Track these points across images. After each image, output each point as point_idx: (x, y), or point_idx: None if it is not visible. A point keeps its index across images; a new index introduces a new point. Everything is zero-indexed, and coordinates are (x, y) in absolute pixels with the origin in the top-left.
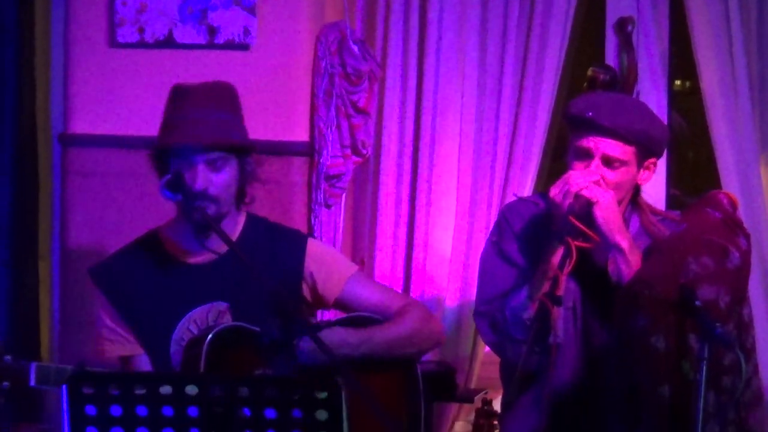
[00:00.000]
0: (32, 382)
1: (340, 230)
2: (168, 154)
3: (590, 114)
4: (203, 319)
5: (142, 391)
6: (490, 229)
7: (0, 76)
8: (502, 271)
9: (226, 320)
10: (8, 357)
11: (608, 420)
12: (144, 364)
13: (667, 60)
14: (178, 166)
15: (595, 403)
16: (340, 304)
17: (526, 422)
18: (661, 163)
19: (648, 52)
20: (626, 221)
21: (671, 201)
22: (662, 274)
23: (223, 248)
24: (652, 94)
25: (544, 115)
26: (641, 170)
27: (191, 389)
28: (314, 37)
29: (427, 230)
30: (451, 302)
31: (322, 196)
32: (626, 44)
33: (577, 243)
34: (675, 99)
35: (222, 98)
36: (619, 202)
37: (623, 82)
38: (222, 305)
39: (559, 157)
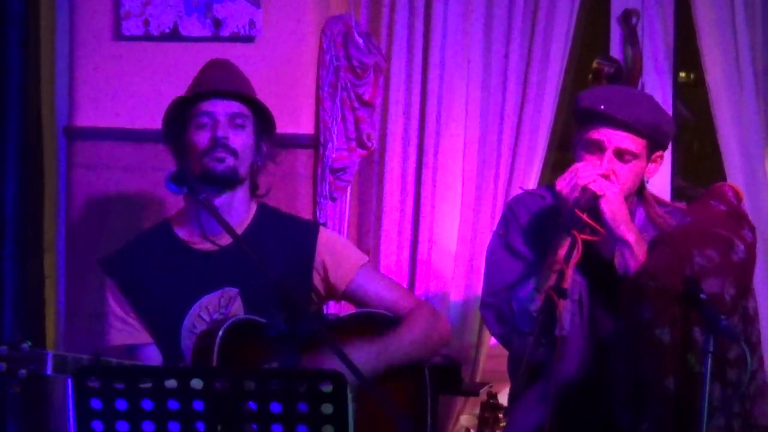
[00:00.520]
0: (49, 371)
1: (345, 223)
2: (185, 115)
3: (602, 107)
4: (215, 305)
5: (148, 385)
6: (496, 221)
7: (5, 68)
8: (509, 264)
9: (237, 306)
10: (25, 345)
11: (614, 412)
12: (149, 353)
13: (672, 52)
14: (199, 126)
15: (602, 396)
16: (349, 295)
17: (533, 414)
18: (667, 155)
19: (653, 44)
20: (632, 213)
21: (676, 192)
22: (667, 266)
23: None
24: (657, 86)
25: (549, 107)
26: (649, 163)
27: (197, 383)
28: (319, 30)
29: (432, 223)
30: (456, 295)
31: (327, 188)
32: (631, 36)
33: (583, 236)
34: (680, 91)
35: (241, 74)
36: (627, 196)
37: (628, 74)
38: (232, 291)
39: (564, 149)
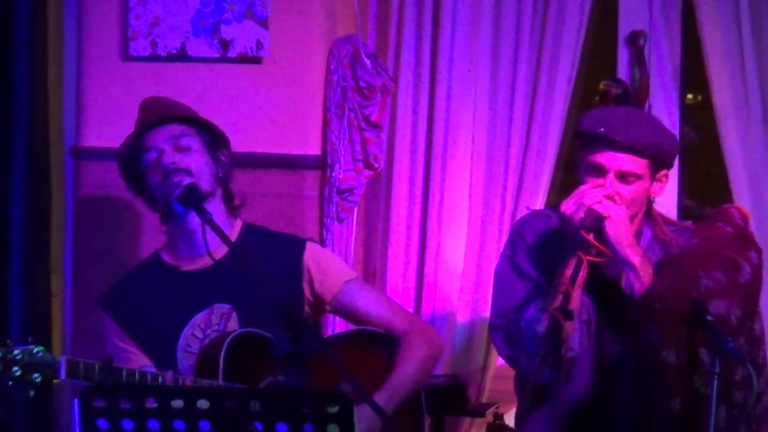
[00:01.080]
0: (62, 376)
1: (352, 244)
2: (136, 160)
3: (602, 130)
4: (207, 322)
5: (154, 405)
6: (502, 242)
7: (13, 89)
8: (516, 285)
9: (233, 321)
10: (39, 350)
11: None
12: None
13: (679, 74)
14: (150, 166)
15: (609, 417)
16: (337, 307)
17: None
18: (673, 175)
19: (660, 65)
20: (639, 232)
21: (683, 211)
22: (674, 287)
23: (220, 253)
24: (664, 108)
25: (557, 128)
26: (654, 183)
27: (203, 403)
28: (327, 51)
29: (438, 244)
30: (462, 316)
31: (334, 209)
32: (638, 58)
33: (588, 257)
34: (687, 113)
35: (176, 102)
36: (633, 217)
37: (635, 95)
38: (224, 307)
39: (571, 169)
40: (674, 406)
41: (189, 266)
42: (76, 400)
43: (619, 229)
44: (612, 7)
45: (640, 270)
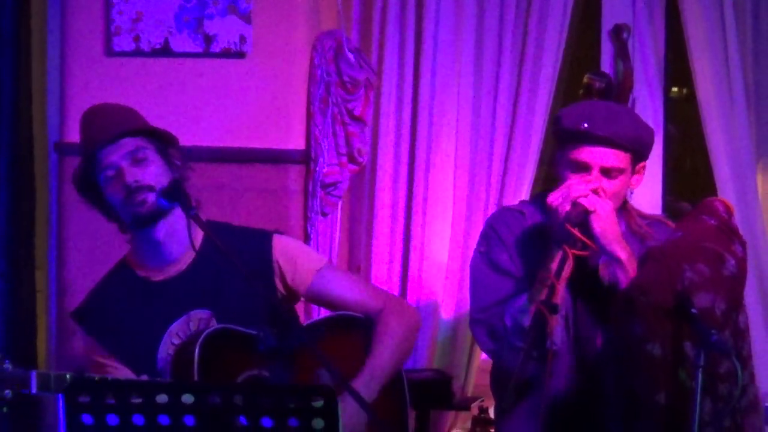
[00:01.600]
0: (34, 390)
1: (337, 238)
2: (93, 176)
3: (585, 126)
4: (185, 330)
5: (139, 400)
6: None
7: None
8: (495, 280)
9: (212, 325)
10: (7, 365)
11: (605, 428)
12: None
13: (663, 67)
14: (109, 182)
15: (592, 411)
16: (312, 297)
17: (524, 430)
18: (657, 171)
19: (644, 59)
20: None
21: (667, 208)
22: (658, 281)
23: (188, 259)
24: (648, 102)
25: (540, 122)
26: (634, 175)
27: (187, 398)
28: (310, 46)
29: (423, 238)
30: (447, 310)
31: (318, 204)
32: (622, 51)
33: (574, 251)
34: (672, 106)
35: (116, 109)
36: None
37: (619, 89)
38: (202, 313)
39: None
40: (659, 399)
41: (158, 276)
42: (60, 395)
43: (605, 224)
44: (595, 0)
45: (626, 263)
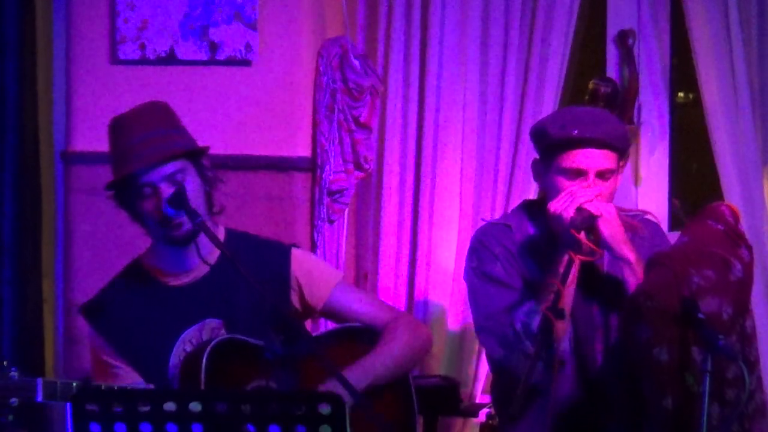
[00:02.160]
0: (39, 398)
1: (343, 246)
2: (129, 187)
3: (576, 132)
4: (197, 338)
5: (146, 408)
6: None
7: (2, 93)
8: (494, 290)
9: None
10: (14, 373)
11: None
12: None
13: (668, 72)
14: (141, 195)
15: (597, 416)
16: (327, 312)
17: None
18: (664, 175)
19: (649, 64)
20: None
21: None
22: (665, 286)
23: (206, 267)
24: (654, 106)
25: None
26: (618, 174)
27: (195, 406)
28: (316, 53)
29: (429, 244)
30: (454, 316)
31: (324, 211)
32: (627, 57)
33: (580, 256)
34: (677, 111)
35: (155, 115)
36: None
37: (624, 94)
38: (214, 322)
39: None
40: (666, 404)
41: (175, 281)
42: (68, 404)
43: (613, 227)
44: (601, 6)
45: (635, 265)
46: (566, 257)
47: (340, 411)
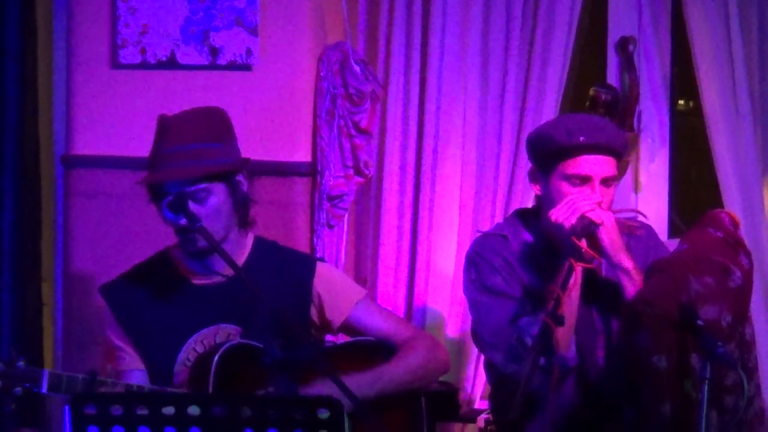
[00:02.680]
0: (44, 389)
1: (343, 251)
2: (155, 189)
3: (583, 138)
4: (210, 340)
5: (145, 412)
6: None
7: (2, 96)
8: (496, 303)
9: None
10: (21, 363)
11: None
12: (135, 378)
13: (669, 79)
14: (166, 201)
15: (597, 422)
16: (345, 329)
17: None
18: (664, 183)
19: (650, 71)
20: None
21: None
22: (664, 293)
23: (231, 270)
24: (654, 114)
25: None
26: None
27: (193, 410)
28: (316, 58)
29: (429, 250)
30: (453, 321)
31: (324, 216)
32: (628, 64)
33: (580, 264)
34: (677, 119)
35: (203, 125)
36: None
37: (625, 101)
38: (231, 328)
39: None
40: (665, 411)
41: (199, 280)
42: (66, 406)
43: (612, 235)
44: (601, 13)
45: (633, 273)
46: (566, 264)
47: (339, 416)
